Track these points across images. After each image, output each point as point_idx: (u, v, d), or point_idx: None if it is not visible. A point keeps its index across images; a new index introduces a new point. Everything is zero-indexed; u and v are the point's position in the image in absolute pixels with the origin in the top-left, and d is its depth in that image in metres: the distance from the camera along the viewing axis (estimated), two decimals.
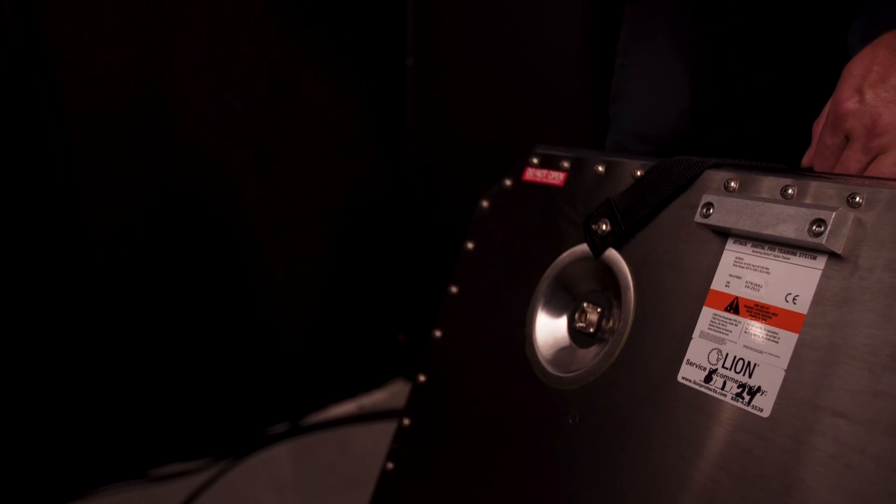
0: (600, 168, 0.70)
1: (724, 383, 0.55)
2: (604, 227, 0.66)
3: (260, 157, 1.47)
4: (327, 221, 1.64)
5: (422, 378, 0.86)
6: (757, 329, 0.54)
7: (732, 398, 0.54)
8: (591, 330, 0.68)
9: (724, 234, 0.58)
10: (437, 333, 0.85)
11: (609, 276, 0.66)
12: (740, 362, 0.54)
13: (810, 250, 0.52)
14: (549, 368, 0.69)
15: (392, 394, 1.79)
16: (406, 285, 1.80)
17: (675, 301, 0.59)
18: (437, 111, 1.64)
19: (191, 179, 1.39)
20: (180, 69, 1.33)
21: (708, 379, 0.56)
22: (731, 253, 0.57)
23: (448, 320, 0.84)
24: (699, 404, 0.56)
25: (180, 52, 1.32)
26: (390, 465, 0.87)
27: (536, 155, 0.78)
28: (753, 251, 0.56)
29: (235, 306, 1.51)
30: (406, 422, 0.86)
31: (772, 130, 0.80)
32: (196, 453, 1.49)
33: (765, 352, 0.53)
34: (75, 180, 1.25)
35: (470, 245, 0.84)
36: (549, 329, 0.72)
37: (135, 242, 1.34)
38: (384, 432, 0.88)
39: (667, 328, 0.60)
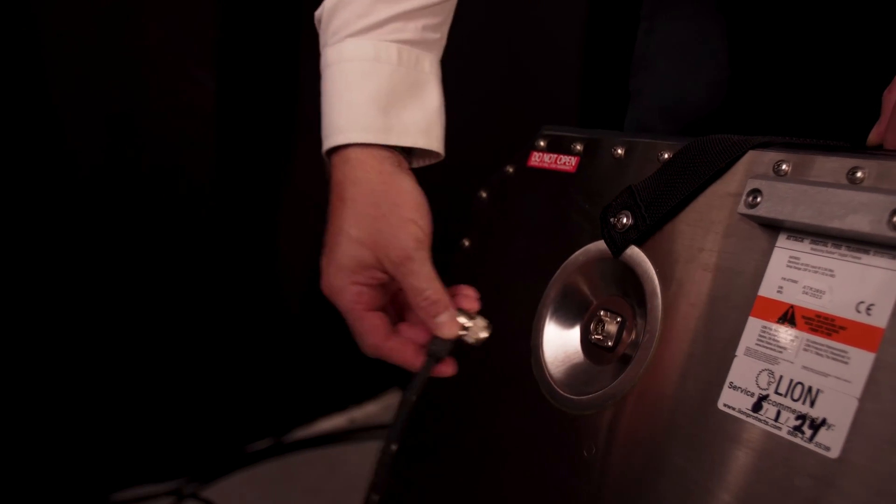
0: (619, 150, 0.65)
1: (779, 413, 0.48)
2: (624, 220, 0.60)
3: (237, 146, 1.42)
4: (313, 214, 1.58)
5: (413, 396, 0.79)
6: (820, 346, 0.47)
7: (789, 432, 0.47)
8: (610, 343, 0.63)
9: (774, 228, 0.51)
10: None
11: (631, 279, 0.61)
12: (798, 387, 0.48)
13: (889, 248, 0.45)
14: (560, 389, 0.64)
15: (386, 406, 1.77)
16: None
17: (714, 310, 0.53)
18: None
19: (157, 170, 1.36)
20: (147, 43, 1.28)
21: (757, 407, 0.49)
22: (784, 251, 0.51)
23: None
24: (746, 438, 0.49)
25: (147, 24, 1.26)
26: (375, 498, 0.80)
27: (544, 137, 0.73)
28: (813, 249, 0.49)
29: (210, 308, 1.47)
30: (393, 448, 0.77)
31: (828, 103, 0.73)
32: (165, 474, 1.45)
33: (831, 375, 0.46)
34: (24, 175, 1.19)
35: (467, 242, 0.79)
36: (560, 342, 0.67)
37: (93, 240, 1.29)
38: (377, 450, 0.80)
39: (703, 343, 0.53)
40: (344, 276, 0.59)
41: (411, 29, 0.61)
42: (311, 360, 1.68)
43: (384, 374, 1.81)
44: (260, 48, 1.45)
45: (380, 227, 0.57)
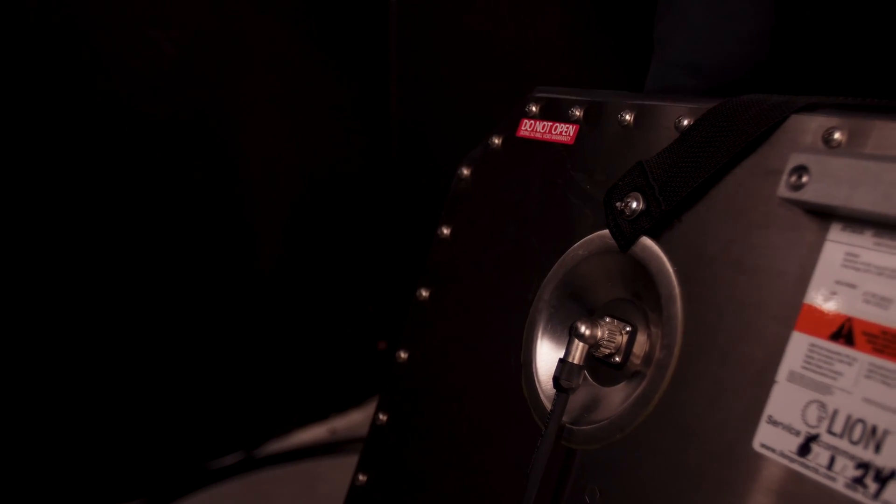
0: (628, 116, 0.62)
1: (833, 459, 0.44)
2: (634, 204, 0.58)
3: (197, 118, 1.47)
4: (289, 202, 1.65)
5: (383, 417, 0.81)
6: (887, 372, 0.43)
7: (847, 485, 0.43)
8: (618, 359, 0.60)
9: (825, 216, 0.48)
10: (403, 355, 0.78)
11: (644, 278, 0.59)
12: (859, 426, 0.44)
13: None
14: None
15: (371, 415, 1.73)
16: (388, 281, 1.77)
17: (748, 321, 0.50)
18: (427, 61, 1.65)
19: (106, 145, 1.36)
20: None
21: (804, 450, 0.45)
22: (838, 246, 0.47)
23: (417, 337, 0.78)
24: (790, 490, 0.45)
25: None
26: None
27: (536, 100, 0.72)
28: (876, 244, 0.45)
29: (170, 305, 1.48)
30: (362, 478, 0.81)
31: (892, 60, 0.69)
32: (118, 496, 1.46)
33: None
34: None
35: (445, 231, 0.78)
36: (557, 355, 0.63)
37: (40, 226, 1.31)
38: None
39: (734, 364, 0.50)
40: None
41: None
42: (286, 363, 1.69)
43: (370, 379, 1.83)
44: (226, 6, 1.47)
45: None
